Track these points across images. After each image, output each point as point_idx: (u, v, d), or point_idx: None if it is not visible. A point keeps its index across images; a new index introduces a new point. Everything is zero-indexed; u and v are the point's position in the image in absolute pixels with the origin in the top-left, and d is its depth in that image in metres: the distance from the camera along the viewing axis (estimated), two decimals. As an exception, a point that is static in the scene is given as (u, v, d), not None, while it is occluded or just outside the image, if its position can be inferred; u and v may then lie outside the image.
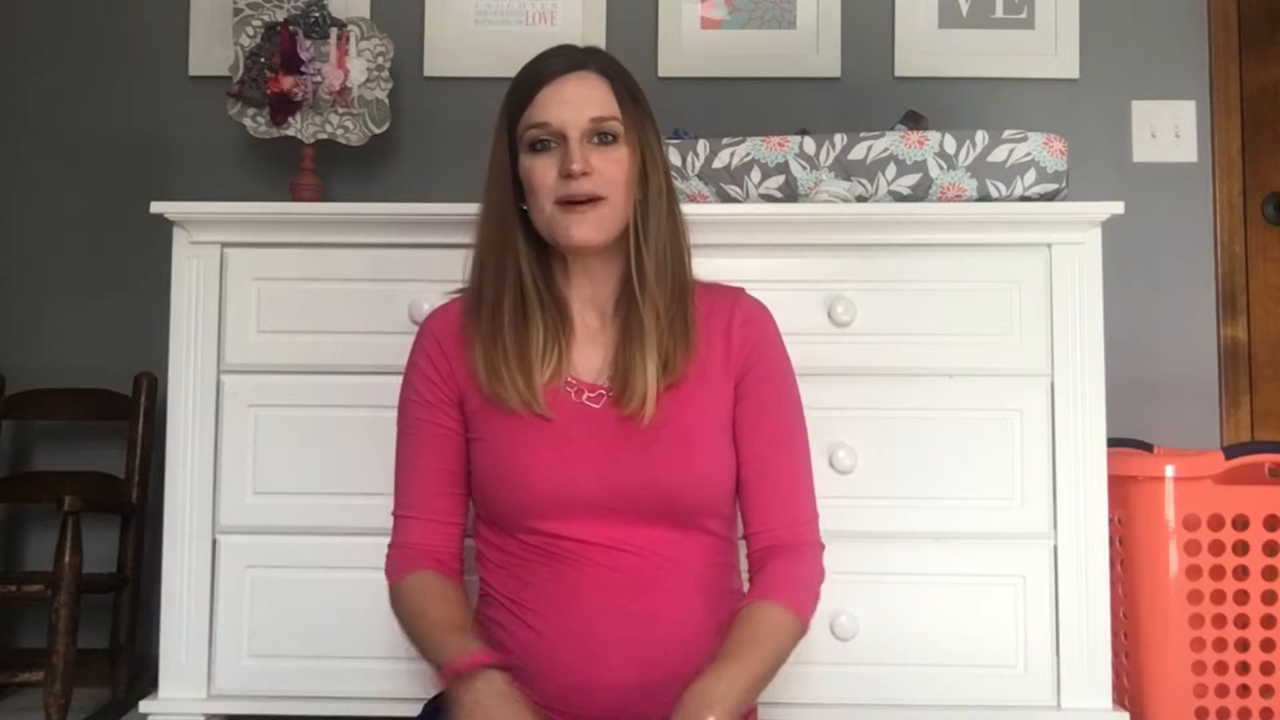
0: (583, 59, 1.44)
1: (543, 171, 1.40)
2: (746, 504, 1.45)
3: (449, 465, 1.46)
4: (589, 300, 1.47)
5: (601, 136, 1.41)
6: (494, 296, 1.43)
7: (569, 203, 1.39)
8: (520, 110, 1.42)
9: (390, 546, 1.49)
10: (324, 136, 2.33)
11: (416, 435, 1.48)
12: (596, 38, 2.53)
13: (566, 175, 1.38)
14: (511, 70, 1.48)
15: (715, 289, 1.52)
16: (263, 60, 2.31)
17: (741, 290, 1.53)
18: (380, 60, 2.34)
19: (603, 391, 1.43)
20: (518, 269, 1.43)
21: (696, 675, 1.29)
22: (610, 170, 1.40)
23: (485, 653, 1.31)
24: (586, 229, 1.39)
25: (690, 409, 1.42)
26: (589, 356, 1.46)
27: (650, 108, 1.48)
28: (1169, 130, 2.60)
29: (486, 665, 1.29)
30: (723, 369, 1.46)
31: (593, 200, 1.39)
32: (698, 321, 1.45)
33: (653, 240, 1.43)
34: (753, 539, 1.44)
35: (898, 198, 1.98)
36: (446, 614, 1.39)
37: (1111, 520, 1.98)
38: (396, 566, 1.47)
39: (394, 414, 1.52)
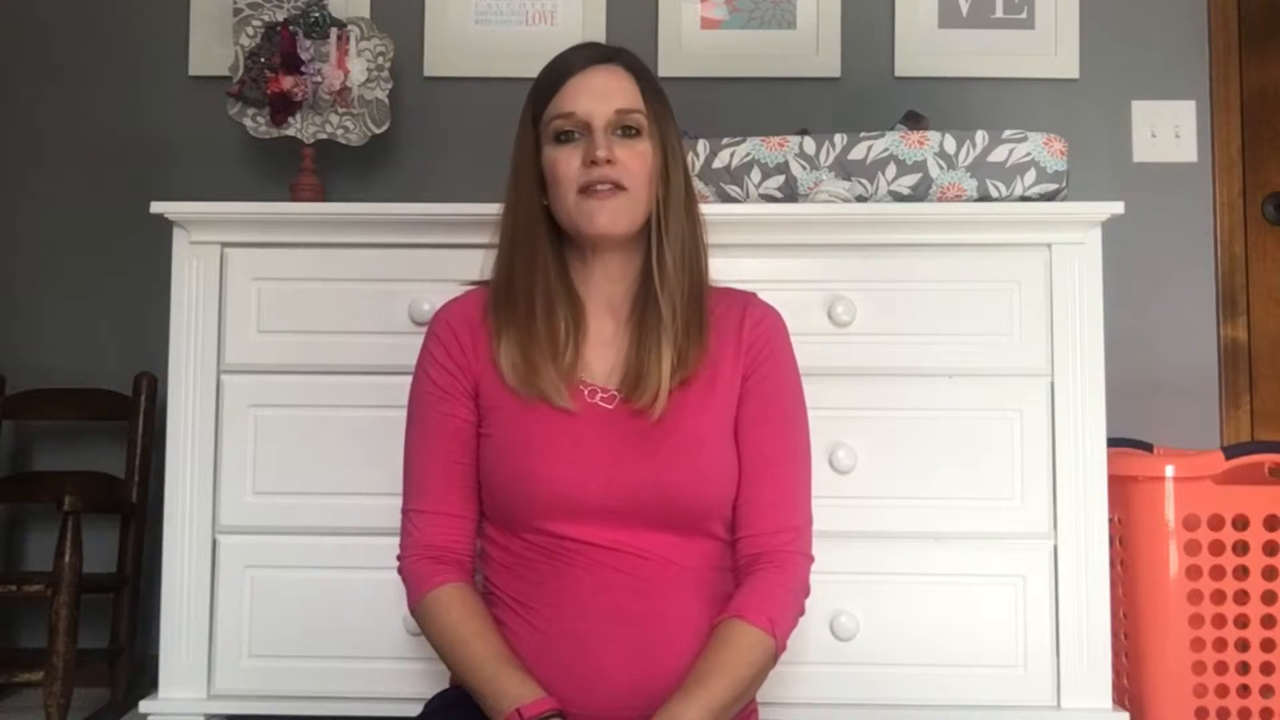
0: (611, 54, 1.47)
1: (566, 161, 1.41)
2: (737, 507, 1.44)
3: (465, 458, 1.45)
4: (605, 301, 1.47)
5: (626, 129, 1.43)
6: (526, 287, 1.43)
7: (592, 190, 1.40)
8: (546, 100, 1.44)
9: (407, 546, 1.46)
10: (324, 136, 2.33)
11: (432, 426, 1.46)
12: (596, 37, 2.53)
13: (590, 163, 1.39)
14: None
15: (728, 293, 1.52)
16: (263, 60, 2.31)
17: (754, 295, 1.54)
18: (380, 60, 2.34)
19: (614, 394, 1.43)
20: (545, 263, 1.44)
21: (666, 698, 1.29)
22: (634, 163, 1.41)
23: (549, 699, 1.31)
24: (607, 216, 1.40)
25: (698, 413, 1.42)
26: (602, 359, 1.46)
27: (672, 110, 1.49)
28: (1169, 130, 2.60)
29: (554, 712, 1.29)
30: (731, 371, 1.45)
31: (614, 189, 1.40)
32: (711, 324, 1.46)
33: (674, 235, 1.44)
34: (740, 544, 1.44)
35: (898, 198, 1.98)
36: (491, 641, 1.37)
37: (1111, 520, 1.98)
38: (420, 573, 1.43)
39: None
